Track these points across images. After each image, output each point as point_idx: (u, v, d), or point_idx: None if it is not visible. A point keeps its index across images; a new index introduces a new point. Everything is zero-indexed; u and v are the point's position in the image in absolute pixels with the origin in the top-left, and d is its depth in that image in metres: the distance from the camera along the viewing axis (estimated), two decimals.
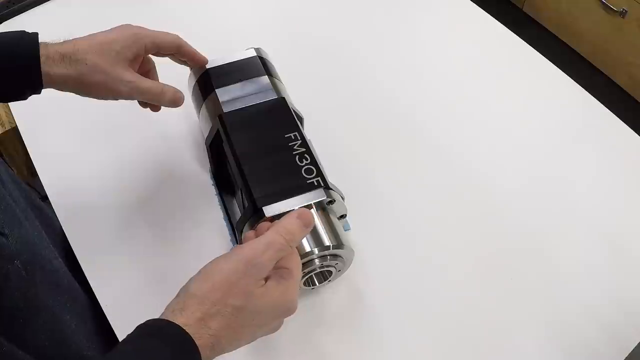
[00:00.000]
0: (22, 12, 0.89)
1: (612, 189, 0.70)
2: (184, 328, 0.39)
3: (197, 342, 0.39)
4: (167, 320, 0.39)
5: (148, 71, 0.61)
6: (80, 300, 0.58)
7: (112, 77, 0.53)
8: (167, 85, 0.58)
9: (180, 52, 0.59)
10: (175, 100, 0.58)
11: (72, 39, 0.54)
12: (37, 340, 0.49)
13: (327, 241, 0.52)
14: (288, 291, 0.44)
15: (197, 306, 0.40)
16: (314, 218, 0.46)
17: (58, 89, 0.54)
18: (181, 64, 0.63)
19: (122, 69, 0.54)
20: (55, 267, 0.54)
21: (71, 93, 0.55)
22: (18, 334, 0.46)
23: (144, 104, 0.61)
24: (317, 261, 0.52)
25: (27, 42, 0.51)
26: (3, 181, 0.53)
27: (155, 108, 0.61)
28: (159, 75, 0.63)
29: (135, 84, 0.55)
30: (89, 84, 0.53)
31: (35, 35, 0.52)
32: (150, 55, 0.59)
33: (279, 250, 0.43)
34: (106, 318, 0.58)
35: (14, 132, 0.79)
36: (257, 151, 0.57)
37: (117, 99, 0.56)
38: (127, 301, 0.59)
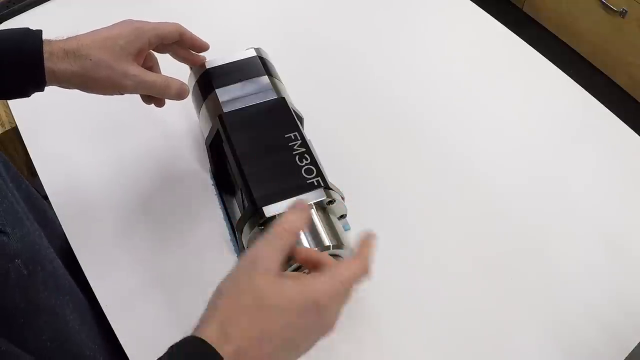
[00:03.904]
0: (22, 12, 0.89)
1: (612, 188, 0.70)
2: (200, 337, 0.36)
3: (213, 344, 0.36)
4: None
5: (151, 67, 0.61)
6: (81, 301, 0.58)
7: (117, 72, 0.53)
8: (172, 78, 0.58)
9: (182, 40, 0.59)
10: (181, 93, 0.58)
11: (75, 36, 0.54)
12: (39, 340, 0.49)
13: (327, 241, 0.52)
14: (309, 287, 0.39)
15: (210, 312, 0.38)
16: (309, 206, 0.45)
17: (62, 87, 0.54)
18: (181, 61, 0.63)
19: (126, 63, 0.54)
20: (56, 267, 0.54)
21: (72, 92, 0.55)
22: (19, 334, 0.46)
23: (147, 100, 0.61)
24: None
25: (31, 39, 0.51)
26: (5, 179, 0.53)
27: (160, 103, 0.61)
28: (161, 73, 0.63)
29: (141, 78, 0.55)
30: (94, 80, 0.53)
31: (39, 32, 0.52)
32: (152, 51, 0.60)
33: (276, 237, 0.41)
34: (106, 319, 0.58)
35: (14, 132, 0.79)
36: (257, 151, 0.57)
37: (122, 94, 0.56)
38: (127, 301, 0.59)
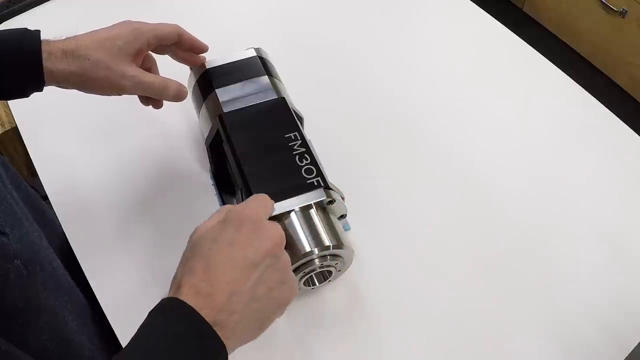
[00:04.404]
0: (22, 12, 0.89)
1: (612, 189, 0.70)
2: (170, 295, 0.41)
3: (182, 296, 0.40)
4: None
5: (149, 68, 0.61)
6: (80, 302, 0.58)
7: (115, 73, 0.53)
8: (171, 79, 0.58)
9: (181, 41, 0.59)
10: (179, 95, 0.58)
11: (74, 36, 0.54)
12: (39, 340, 0.49)
13: (327, 241, 0.52)
14: (245, 206, 0.45)
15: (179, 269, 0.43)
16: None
17: (60, 87, 0.54)
18: (181, 62, 0.63)
19: (125, 64, 0.54)
20: (55, 267, 0.54)
21: (72, 92, 0.55)
22: (19, 334, 0.46)
23: (145, 101, 0.61)
24: (317, 261, 0.52)
25: (29, 39, 0.51)
26: (4, 181, 0.53)
27: (158, 104, 0.61)
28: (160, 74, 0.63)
29: (139, 79, 0.55)
30: (92, 80, 0.53)
31: (38, 32, 0.52)
32: (150, 52, 0.60)
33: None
34: (106, 319, 0.58)
35: (14, 132, 0.79)
36: (257, 151, 0.57)
37: (120, 95, 0.56)
38: (127, 301, 0.59)
